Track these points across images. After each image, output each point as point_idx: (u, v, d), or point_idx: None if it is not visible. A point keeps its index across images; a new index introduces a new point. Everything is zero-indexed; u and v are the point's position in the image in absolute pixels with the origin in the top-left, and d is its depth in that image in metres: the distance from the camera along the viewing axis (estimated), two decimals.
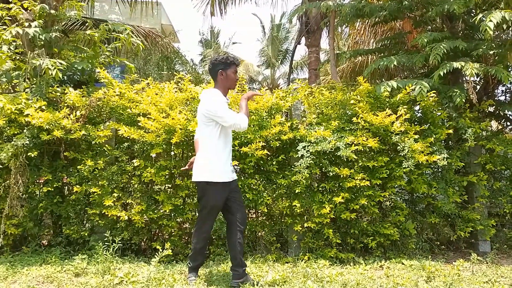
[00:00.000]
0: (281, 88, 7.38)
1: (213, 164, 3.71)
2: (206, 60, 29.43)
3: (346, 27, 12.02)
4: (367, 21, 8.76)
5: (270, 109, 5.27)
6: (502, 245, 5.47)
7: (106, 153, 5.00)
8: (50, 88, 5.13)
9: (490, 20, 4.58)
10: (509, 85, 6.35)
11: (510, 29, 5.62)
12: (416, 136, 4.90)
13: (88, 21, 6.72)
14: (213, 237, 5.07)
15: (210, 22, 44.69)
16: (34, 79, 5.25)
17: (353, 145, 4.82)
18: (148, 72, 13.11)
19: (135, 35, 7.56)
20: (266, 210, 4.98)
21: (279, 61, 29.42)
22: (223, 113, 3.66)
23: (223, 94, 3.82)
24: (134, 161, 4.88)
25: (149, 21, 13.08)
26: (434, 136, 5.05)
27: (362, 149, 4.86)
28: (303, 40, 11.71)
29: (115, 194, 4.81)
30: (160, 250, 4.20)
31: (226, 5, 12.19)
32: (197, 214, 5.11)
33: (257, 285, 3.79)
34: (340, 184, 4.87)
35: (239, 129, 3.72)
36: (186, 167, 4.11)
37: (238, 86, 5.64)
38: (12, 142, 4.65)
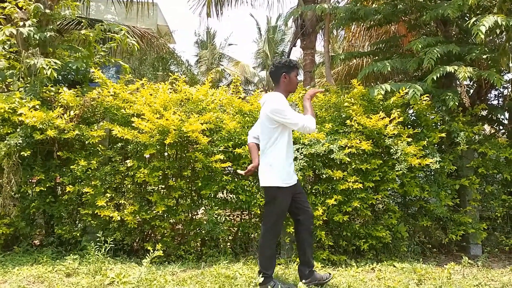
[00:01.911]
0: None
1: (283, 168, 3.70)
2: (202, 61, 29.45)
3: (341, 30, 12.05)
4: (362, 24, 8.80)
5: None
6: (493, 248, 5.49)
7: (100, 153, 4.99)
8: (44, 87, 5.12)
9: (483, 24, 4.61)
10: (501, 89, 6.39)
11: (503, 33, 5.65)
12: (409, 139, 4.93)
13: (83, 21, 6.72)
14: (206, 239, 5.07)
15: (206, 23, 44.62)
16: (28, 78, 5.25)
17: (347, 147, 4.84)
18: (143, 72, 13.08)
19: (131, 36, 7.56)
20: (259, 212, 4.98)
21: None
22: (292, 115, 3.64)
23: (285, 97, 3.80)
24: (127, 161, 4.88)
25: (145, 22, 13.08)
26: (427, 139, 5.08)
27: (356, 152, 4.88)
28: (298, 42, 11.71)
29: (108, 195, 4.81)
30: (152, 251, 4.20)
31: (222, 7, 12.19)
32: (190, 215, 5.12)
33: (248, 286, 3.80)
34: (333, 186, 4.88)
35: (308, 131, 3.67)
36: (243, 172, 4.00)
37: (233, 87, 5.65)
38: (5, 141, 4.63)
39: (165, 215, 4.90)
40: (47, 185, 4.88)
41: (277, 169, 3.68)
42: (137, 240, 5.17)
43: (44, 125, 4.70)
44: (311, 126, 3.65)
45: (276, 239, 3.87)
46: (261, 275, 3.79)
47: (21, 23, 5.32)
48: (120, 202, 4.87)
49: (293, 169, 3.84)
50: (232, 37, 74.09)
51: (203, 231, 4.98)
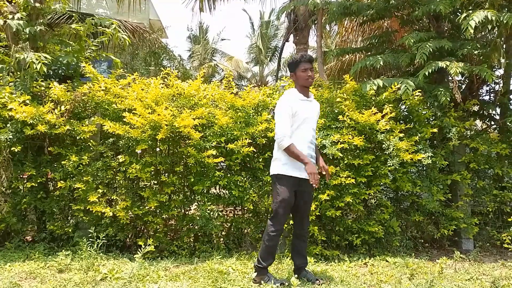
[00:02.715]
0: (269, 85, 7.36)
1: (282, 159, 3.79)
2: (194, 56, 29.31)
3: (334, 25, 12.06)
4: (355, 19, 8.80)
5: (257, 106, 5.27)
6: (485, 243, 5.54)
7: (91, 148, 4.95)
8: (35, 82, 5.07)
9: (472, 19, 4.63)
10: (493, 85, 6.42)
11: (495, 29, 5.67)
12: (401, 135, 4.95)
13: (74, 15, 6.64)
14: (199, 234, 5.06)
15: (199, 18, 44.32)
16: (18, 73, 5.19)
17: (339, 143, 4.84)
18: (135, 67, 13.00)
19: (122, 30, 7.50)
20: (252, 207, 4.97)
21: (268, 58, 29.39)
22: (279, 121, 3.78)
23: (300, 92, 3.90)
24: (119, 157, 4.85)
25: (137, 16, 12.95)
26: (419, 134, 5.10)
27: (348, 147, 4.89)
28: (291, 37, 11.69)
29: (100, 190, 4.78)
30: (144, 246, 4.18)
31: (215, 1, 12.12)
32: (183, 211, 5.11)
33: (241, 281, 3.80)
34: (326, 181, 4.88)
35: (279, 144, 3.74)
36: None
37: (225, 82, 5.63)
38: None
39: (158, 211, 4.88)
40: (39, 181, 4.84)
41: (280, 160, 3.80)
42: (129, 236, 5.15)
43: (35, 120, 4.65)
44: (283, 142, 3.69)
45: (277, 231, 3.80)
46: (255, 268, 3.83)
47: (10, 17, 5.25)
48: (112, 197, 4.84)
49: (297, 164, 3.77)
50: (225, 32, 73.81)
51: (196, 227, 4.97)
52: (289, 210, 3.82)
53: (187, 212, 5.17)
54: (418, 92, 5.22)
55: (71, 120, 4.94)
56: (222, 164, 5.06)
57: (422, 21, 6.60)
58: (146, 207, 4.78)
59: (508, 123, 5.65)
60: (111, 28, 5.86)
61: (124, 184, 4.99)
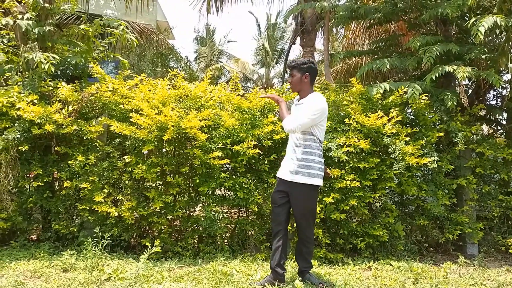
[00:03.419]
0: (275, 87, 7.36)
1: None
2: (201, 58, 29.37)
3: (341, 28, 12.05)
4: (362, 22, 8.80)
5: (263, 108, 5.28)
6: (490, 248, 5.51)
7: (98, 148, 4.98)
8: (43, 82, 5.10)
9: (482, 25, 4.62)
10: (500, 90, 6.40)
11: (503, 34, 5.65)
12: (407, 139, 4.94)
13: (83, 15, 6.69)
14: (203, 235, 5.07)
15: (206, 19, 44.36)
16: (27, 72, 5.22)
17: (345, 146, 4.84)
18: (142, 68, 13.05)
19: (130, 31, 7.54)
20: (256, 209, 4.98)
21: (274, 61, 29.41)
22: None
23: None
24: (125, 157, 4.87)
25: (144, 17, 13.02)
26: (425, 138, 5.09)
27: (354, 150, 4.89)
28: (298, 40, 11.69)
29: (106, 190, 4.80)
30: (150, 247, 4.20)
31: (222, 3, 12.14)
32: (187, 212, 5.13)
33: (245, 283, 3.81)
34: (331, 184, 4.89)
35: (286, 130, 3.94)
36: None
37: (232, 84, 5.65)
38: (3, 136, 4.62)
39: (163, 212, 4.89)
40: (45, 180, 4.87)
41: None
42: (134, 236, 5.17)
43: (42, 119, 4.68)
44: (285, 126, 3.88)
45: (273, 230, 3.87)
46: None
47: (19, 17, 5.30)
48: (117, 198, 4.87)
49: (284, 165, 3.93)
50: (231, 34, 73.91)
51: (200, 228, 4.98)
52: (275, 207, 3.89)
53: (191, 213, 5.19)
54: (425, 96, 5.21)
55: (78, 120, 4.96)
56: (227, 165, 5.08)
57: (429, 25, 6.59)
58: (151, 208, 4.80)
59: None
60: (119, 29, 5.88)
61: (130, 184, 5.01)
